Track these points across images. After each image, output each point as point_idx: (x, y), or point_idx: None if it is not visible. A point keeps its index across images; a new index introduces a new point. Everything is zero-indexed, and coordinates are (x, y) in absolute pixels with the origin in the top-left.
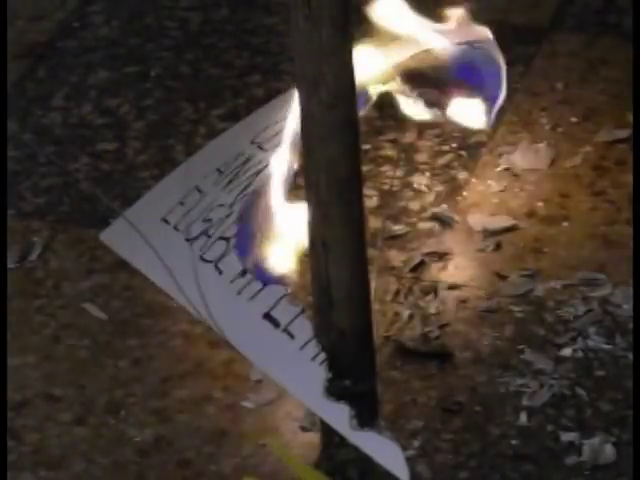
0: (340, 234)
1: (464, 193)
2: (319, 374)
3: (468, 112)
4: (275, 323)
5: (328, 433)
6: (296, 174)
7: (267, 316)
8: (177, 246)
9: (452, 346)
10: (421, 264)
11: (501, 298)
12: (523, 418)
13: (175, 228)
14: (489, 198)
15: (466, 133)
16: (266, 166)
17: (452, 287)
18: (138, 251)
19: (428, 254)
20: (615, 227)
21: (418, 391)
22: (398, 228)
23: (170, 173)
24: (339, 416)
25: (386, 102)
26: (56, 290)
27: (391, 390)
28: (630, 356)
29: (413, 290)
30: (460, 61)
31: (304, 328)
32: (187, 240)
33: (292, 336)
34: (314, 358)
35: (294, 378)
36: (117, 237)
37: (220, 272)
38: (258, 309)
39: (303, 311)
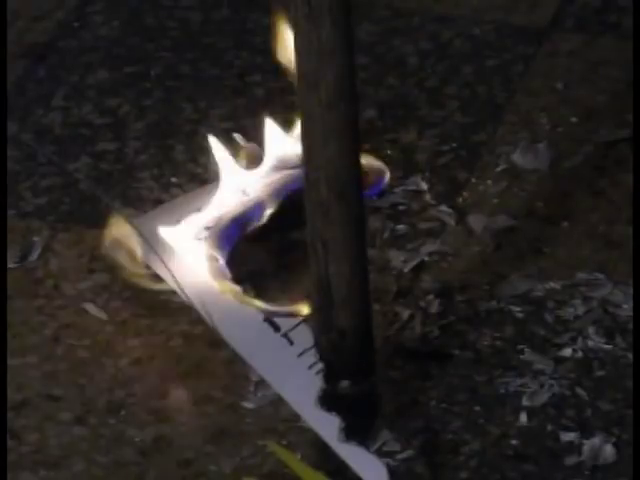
0: (340, 234)
1: (464, 193)
2: (314, 383)
3: None
4: (275, 327)
5: None
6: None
7: (268, 320)
8: (186, 244)
9: (452, 346)
10: (421, 264)
11: (501, 298)
12: (523, 418)
13: (185, 229)
14: (489, 198)
15: (466, 133)
16: None
17: (452, 287)
18: (147, 252)
19: (428, 254)
20: (615, 227)
21: (418, 391)
22: (398, 228)
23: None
24: (328, 427)
25: None
26: (56, 290)
27: (391, 390)
28: (630, 356)
29: (413, 290)
30: None
31: (304, 336)
32: (197, 239)
33: (291, 342)
34: (311, 367)
35: (288, 384)
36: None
37: None
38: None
39: (305, 320)
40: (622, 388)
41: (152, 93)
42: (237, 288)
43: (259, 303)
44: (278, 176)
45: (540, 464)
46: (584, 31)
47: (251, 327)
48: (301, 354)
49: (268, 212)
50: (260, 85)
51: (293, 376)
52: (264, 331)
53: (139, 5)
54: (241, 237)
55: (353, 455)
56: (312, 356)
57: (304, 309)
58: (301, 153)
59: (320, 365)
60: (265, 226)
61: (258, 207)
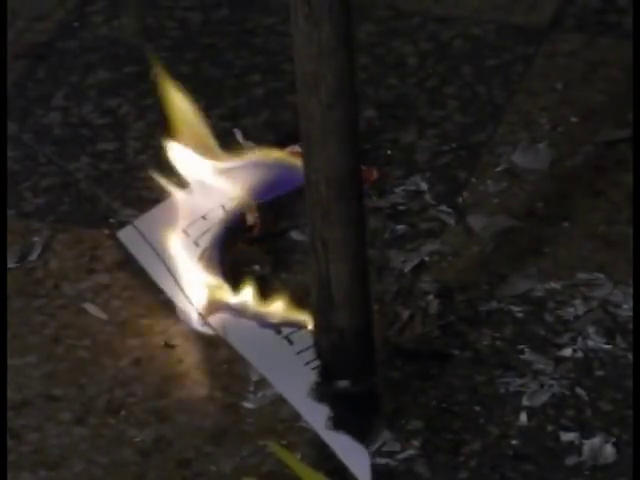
0: (340, 234)
1: (464, 193)
2: (309, 377)
3: None
4: (277, 330)
5: None
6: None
7: (270, 325)
8: (186, 249)
9: (452, 346)
10: (421, 264)
11: (501, 298)
12: (523, 418)
13: (195, 243)
14: (489, 198)
15: (466, 133)
16: None
17: (452, 287)
18: (149, 254)
19: (428, 254)
20: (615, 227)
21: (418, 391)
22: (398, 228)
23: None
24: (318, 416)
25: None
26: (56, 290)
27: (391, 390)
28: (630, 356)
29: (413, 290)
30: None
31: (304, 338)
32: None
33: (291, 342)
34: (308, 363)
35: (283, 376)
36: (132, 238)
37: None
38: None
39: (306, 326)
40: (622, 388)
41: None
42: (237, 297)
43: (263, 311)
44: (253, 175)
45: (540, 464)
46: (584, 31)
47: (251, 329)
48: (300, 352)
49: (250, 216)
50: (260, 85)
51: (290, 369)
52: (264, 333)
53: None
54: (230, 243)
55: (339, 443)
56: (310, 354)
57: (308, 320)
58: (301, 153)
59: (317, 362)
60: (262, 226)
61: (238, 215)
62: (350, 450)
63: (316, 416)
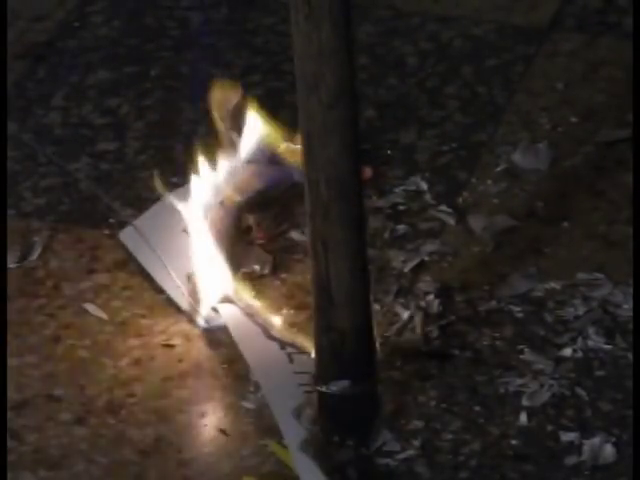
0: (340, 234)
1: (464, 193)
2: (299, 397)
3: None
4: (281, 345)
5: (327, 433)
6: None
7: (276, 339)
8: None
9: (452, 346)
10: (421, 264)
11: (501, 298)
12: (523, 418)
13: (196, 239)
14: (489, 198)
15: (466, 133)
16: None
17: (452, 287)
18: (149, 254)
19: (428, 254)
20: (615, 227)
21: (418, 391)
22: (398, 228)
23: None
24: (295, 437)
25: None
26: (56, 290)
27: (391, 390)
28: (630, 356)
29: (413, 290)
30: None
31: (306, 362)
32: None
33: (292, 360)
34: (302, 385)
35: (274, 387)
36: (133, 238)
37: None
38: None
39: (309, 353)
40: (622, 388)
41: (152, 93)
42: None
43: (270, 320)
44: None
45: (540, 464)
46: (584, 31)
47: (258, 335)
48: (297, 372)
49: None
50: (260, 85)
51: (283, 384)
52: (269, 343)
53: (139, 5)
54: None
55: (305, 468)
56: (307, 378)
57: (311, 348)
58: (301, 153)
59: (312, 387)
60: (263, 230)
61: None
62: (312, 477)
63: (293, 435)
